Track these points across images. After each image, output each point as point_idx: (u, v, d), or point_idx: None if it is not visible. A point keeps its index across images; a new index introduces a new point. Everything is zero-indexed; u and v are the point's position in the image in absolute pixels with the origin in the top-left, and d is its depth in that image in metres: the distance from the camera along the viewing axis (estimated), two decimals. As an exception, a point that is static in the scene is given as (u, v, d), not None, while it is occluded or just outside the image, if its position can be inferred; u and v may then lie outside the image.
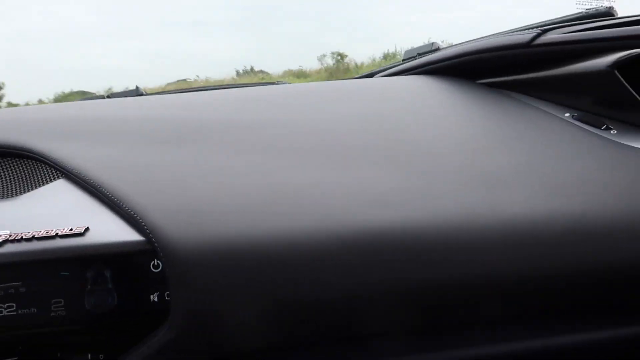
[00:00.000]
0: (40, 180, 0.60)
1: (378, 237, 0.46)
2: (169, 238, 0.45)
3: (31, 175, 0.61)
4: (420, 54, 0.98)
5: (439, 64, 0.79)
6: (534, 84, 0.66)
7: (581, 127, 0.58)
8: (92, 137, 0.62)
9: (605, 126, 0.57)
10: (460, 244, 0.46)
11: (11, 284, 0.47)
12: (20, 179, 0.61)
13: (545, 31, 0.64)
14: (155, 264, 0.47)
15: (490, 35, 0.78)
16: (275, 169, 0.53)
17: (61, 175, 0.58)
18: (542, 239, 0.46)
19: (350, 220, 0.46)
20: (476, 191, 0.49)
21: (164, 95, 0.93)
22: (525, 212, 0.46)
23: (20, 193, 0.59)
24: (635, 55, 0.57)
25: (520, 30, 0.74)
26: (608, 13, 0.79)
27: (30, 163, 0.62)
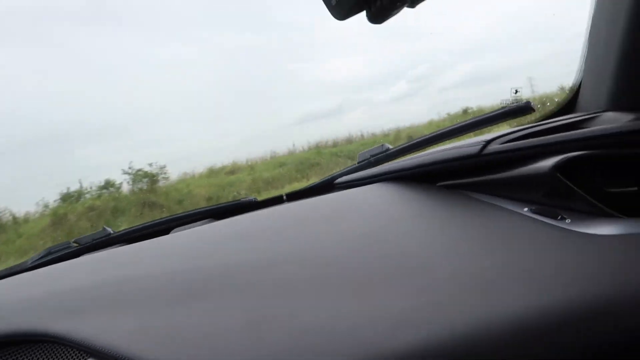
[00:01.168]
0: None
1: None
2: None
3: (60, 358, 0.61)
4: (374, 155, 1.10)
5: (398, 173, 0.86)
6: (490, 184, 0.71)
7: (540, 220, 0.62)
8: (112, 306, 0.64)
9: (560, 217, 0.62)
10: (477, 351, 0.47)
11: None
12: None
13: (488, 142, 0.71)
14: None
15: (440, 149, 0.85)
16: (306, 309, 0.54)
17: (89, 355, 0.58)
18: (538, 334, 0.48)
19: (379, 349, 0.48)
20: (473, 296, 0.51)
21: (141, 244, 0.94)
22: (518, 311, 0.48)
23: None
24: (568, 159, 0.65)
25: (462, 143, 0.82)
26: (528, 108, 0.93)
27: (51, 347, 0.62)
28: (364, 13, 0.48)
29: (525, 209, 0.64)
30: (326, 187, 1.12)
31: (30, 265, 1.15)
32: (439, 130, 1.05)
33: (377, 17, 0.48)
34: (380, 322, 0.50)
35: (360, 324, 0.50)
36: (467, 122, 1.03)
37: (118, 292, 0.67)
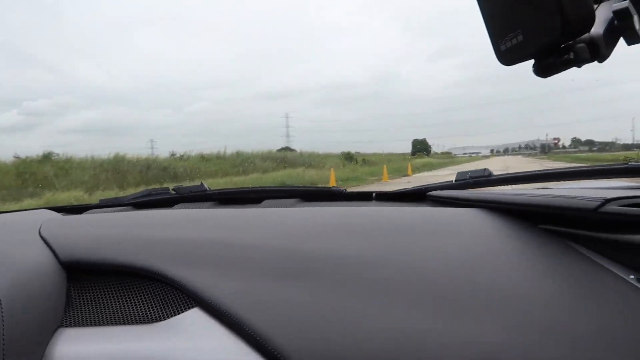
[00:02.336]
0: (175, 307, 0.66)
1: None
2: None
3: (165, 300, 0.67)
4: (473, 178, 1.08)
5: (500, 205, 0.82)
6: (597, 242, 0.67)
7: None
8: (219, 264, 0.68)
9: None
10: None
11: None
12: (156, 304, 0.67)
13: (608, 201, 0.65)
14: None
15: (546, 192, 0.81)
16: (397, 317, 0.56)
17: (196, 304, 0.64)
18: None
19: None
20: (563, 351, 0.50)
21: (238, 210, 0.99)
22: None
23: (160, 319, 0.66)
24: None
25: (581, 190, 0.83)
26: None
27: (163, 287, 0.68)
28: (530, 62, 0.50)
29: (632, 277, 0.60)
30: (418, 196, 1.12)
31: (130, 202, 1.25)
32: (547, 170, 1.03)
33: (544, 71, 0.50)
34: (469, 351, 0.51)
35: (449, 346, 0.51)
36: (582, 168, 1.02)
37: (224, 253, 0.71)
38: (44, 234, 0.81)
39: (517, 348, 0.51)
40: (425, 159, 49.73)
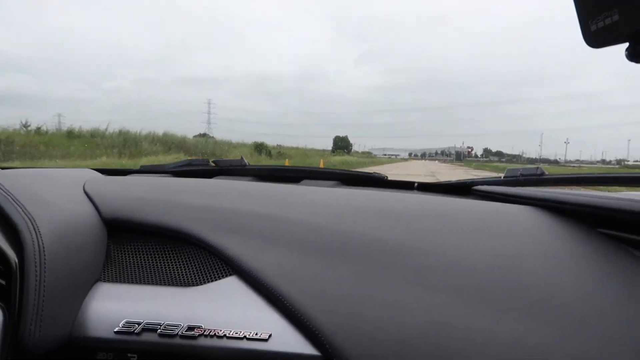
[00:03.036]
0: (212, 273, 0.66)
1: None
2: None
3: (203, 266, 0.68)
4: (524, 175, 1.04)
5: (554, 204, 0.78)
6: None
7: None
8: (256, 236, 0.68)
9: None
10: None
11: None
12: (194, 269, 0.68)
13: None
14: None
15: (602, 194, 0.74)
16: (438, 307, 0.55)
17: (233, 272, 0.64)
18: None
19: None
20: (620, 358, 0.49)
21: (277, 186, 0.95)
22: None
23: (197, 283, 0.66)
24: None
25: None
26: None
27: (202, 253, 0.69)
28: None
29: None
30: (462, 189, 1.09)
31: (171, 169, 1.27)
32: (603, 173, 1.01)
33: (639, 56, 0.46)
34: (513, 350, 0.50)
35: (491, 343, 0.50)
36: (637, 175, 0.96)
37: (263, 224, 0.70)
38: (88, 190, 0.82)
39: (569, 352, 0.50)
40: (344, 157, 48.41)
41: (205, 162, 1.32)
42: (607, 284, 0.59)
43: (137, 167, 1.31)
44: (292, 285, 0.58)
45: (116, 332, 0.59)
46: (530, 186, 1.02)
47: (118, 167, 1.67)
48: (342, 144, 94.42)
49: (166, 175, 1.21)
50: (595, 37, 0.46)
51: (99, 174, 1.05)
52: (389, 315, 0.54)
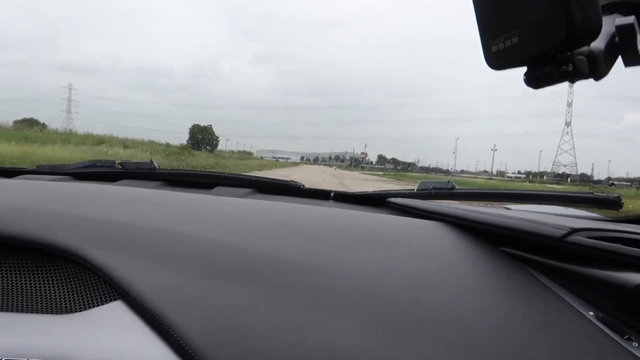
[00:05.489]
0: (95, 297, 0.60)
1: None
2: None
3: (85, 288, 0.61)
4: (436, 189, 1.12)
5: (462, 222, 0.82)
6: (560, 273, 0.68)
7: (604, 331, 0.58)
8: (150, 254, 0.63)
9: (627, 336, 0.59)
10: None
11: None
12: (73, 292, 0.61)
13: (575, 230, 0.66)
14: None
15: (509, 214, 0.79)
16: (338, 332, 0.54)
17: (119, 297, 0.58)
18: None
19: None
20: None
21: (187, 195, 0.93)
22: None
23: (75, 310, 0.60)
24: None
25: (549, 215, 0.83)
26: (616, 204, 0.92)
27: (82, 272, 0.62)
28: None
29: (591, 313, 0.61)
30: (376, 200, 1.14)
31: (71, 171, 1.22)
32: (513, 190, 1.11)
33: (537, 81, 0.48)
34: None
35: None
36: (547, 193, 1.05)
37: (161, 241, 0.66)
38: None
39: None
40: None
41: (111, 163, 1.30)
42: (506, 303, 0.61)
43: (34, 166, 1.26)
44: (180, 312, 0.54)
45: None
46: (442, 199, 1.08)
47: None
48: (203, 137, 68.83)
49: (64, 177, 1.15)
50: (497, 58, 0.48)
51: None
52: (287, 346, 0.52)
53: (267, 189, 1.18)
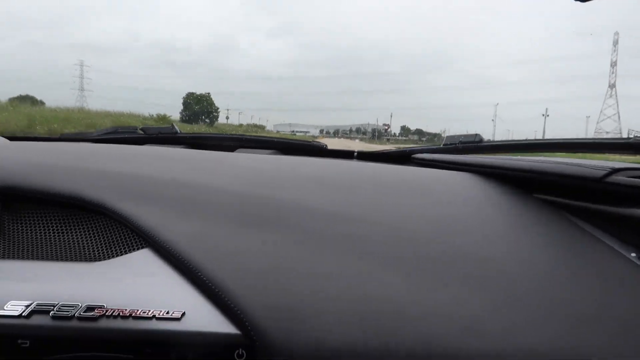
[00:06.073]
0: (123, 246, 0.63)
1: None
2: (271, 338, 0.49)
3: (112, 237, 0.64)
4: (463, 142, 1.09)
5: (491, 170, 0.81)
6: (598, 215, 0.66)
7: None
8: (175, 205, 0.65)
9: None
10: None
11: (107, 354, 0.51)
12: (101, 241, 0.64)
13: (615, 170, 0.64)
14: (240, 352, 0.50)
15: (543, 160, 0.79)
16: (371, 278, 0.54)
17: (146, 245, 0.61)
18: None
19: (445, 348, 0.48)
20: (559, 326, 0.50)
21: (208, 153, 0.94)
22: (605, 354, 0.48)
23: (103, 257, 0.62)
24: None
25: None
26: None
27: (110, 223, 0.64)
28: None
29: (633, 255, 0.60)
30: (402, 157, 1.14)
31: (95, 137, 1.27)
32: (543, 139, 1.14)
33: None
34: (451, 320, 0.50)
35: (426, 314, 0.51)
36: (581, 141, 1.02)
37: (184, 192, 0.68)
38: None
39: (503, 322, 0.50)
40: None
41: (133, 129, 1.33)
42: (544, 250, 0.61)
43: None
44: (209, 257, 0.56)
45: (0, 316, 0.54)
46: (469, 153, 1.08)
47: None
48: (200, 108, 60.63)
49: (88, 143, 1.19)
50: None
51: (5, 140, 1.01)
52: (318, 289, 0.52)
53: (289, 150, 1.19)
